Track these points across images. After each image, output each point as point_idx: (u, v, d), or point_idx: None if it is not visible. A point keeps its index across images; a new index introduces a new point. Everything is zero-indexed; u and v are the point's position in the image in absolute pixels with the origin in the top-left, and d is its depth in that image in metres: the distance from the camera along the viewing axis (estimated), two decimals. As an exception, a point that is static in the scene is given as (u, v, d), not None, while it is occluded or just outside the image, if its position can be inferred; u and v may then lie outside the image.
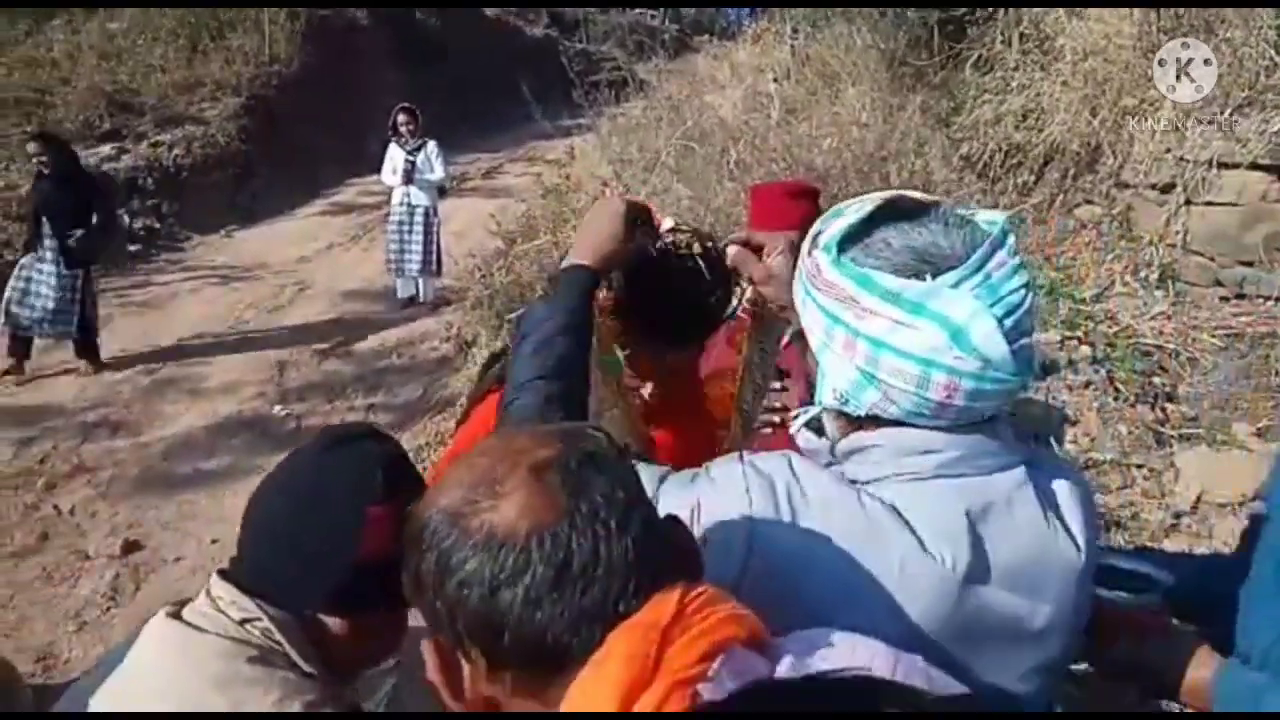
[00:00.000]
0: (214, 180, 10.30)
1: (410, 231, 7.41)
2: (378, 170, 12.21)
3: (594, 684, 0.60)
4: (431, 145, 7.47)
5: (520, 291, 6.01)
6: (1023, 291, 0.90)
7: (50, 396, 5.78)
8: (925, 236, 0.92)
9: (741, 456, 0.98)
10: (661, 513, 0.73)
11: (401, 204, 7.45)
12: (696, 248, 1.37)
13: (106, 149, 9.72)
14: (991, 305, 0.87)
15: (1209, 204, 4.88)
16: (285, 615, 1.02)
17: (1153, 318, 4.27)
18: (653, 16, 26.99)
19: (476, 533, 0.64)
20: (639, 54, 16.62)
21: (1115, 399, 3.47)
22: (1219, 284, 4.78)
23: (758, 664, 0.62)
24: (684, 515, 0.79)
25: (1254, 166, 4.66)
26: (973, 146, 6.36)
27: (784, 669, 0.62)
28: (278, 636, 1.01)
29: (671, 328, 1.34)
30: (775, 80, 9.18)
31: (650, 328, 1.34)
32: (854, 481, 0.95)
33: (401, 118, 7.51)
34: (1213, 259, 4.84)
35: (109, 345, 6.60)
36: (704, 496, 0.93)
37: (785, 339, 2.30)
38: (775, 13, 11.45)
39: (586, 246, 1.22)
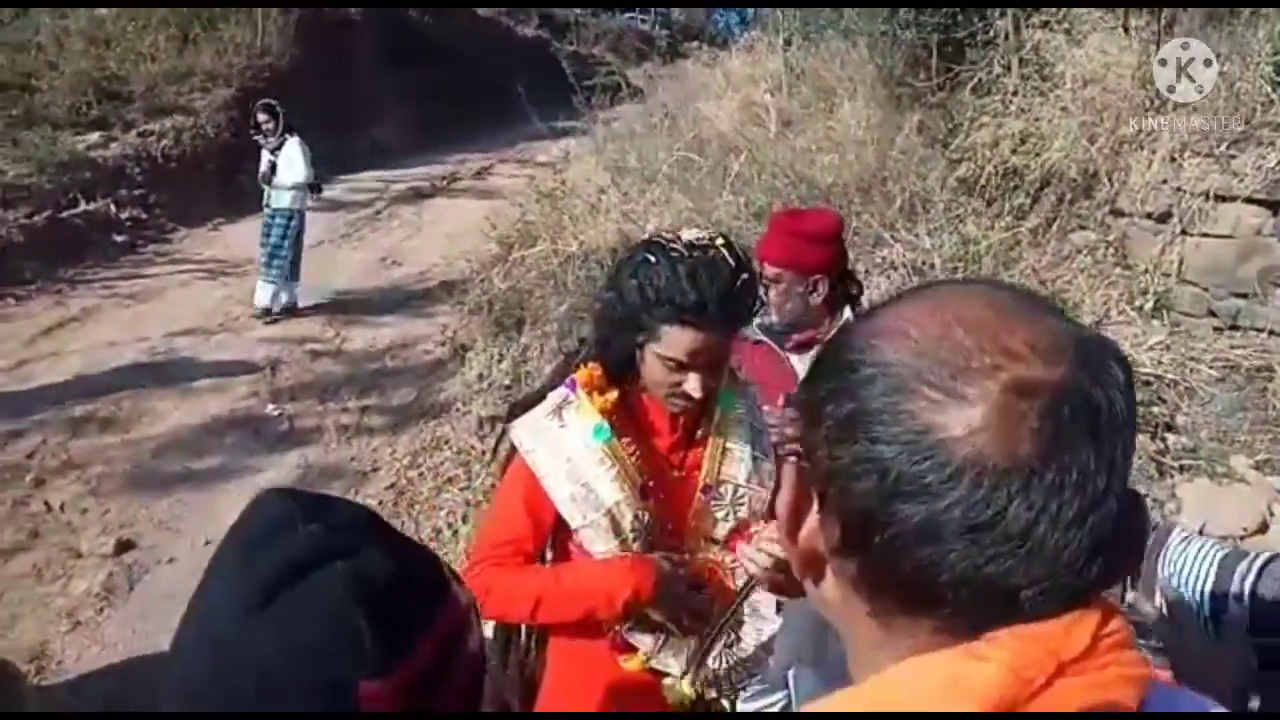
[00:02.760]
0: (203, 172, 10.19)
1: (268, 235, 7.03)
2: (369, 167, 12.28)
3: (959, 678, 0.50)
4: (292, 143, 6.98)
5: (519, 298, 6.00)
6: None
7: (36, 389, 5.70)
8: None
9: None
10: None
11: (265, 206, 7.12)
12: (720, 241, 1.49)
13: (94, 137, 9.59)
14: None
15: (1204, 235, 4.95)
16: None
17: (1151, 347, 4.34)
18: (643, 21, 27.06)
19: (909, 419, 0.51)
20: (630, 58, 16.66)
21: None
22: (1213, 315, 4.85)
23: None
24: None
25: (1249, 200, 4.75)
26: (970, 168, 6.43)
27: None
28: None
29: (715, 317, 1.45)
30: (769, 92, 9.23)
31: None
32: None
33: (261, 116, 7.12)
34: (1207, 290, 4.92)
35: (97, 336, 6.53)
36: None
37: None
38: (768, 23, 11.52)
39: None
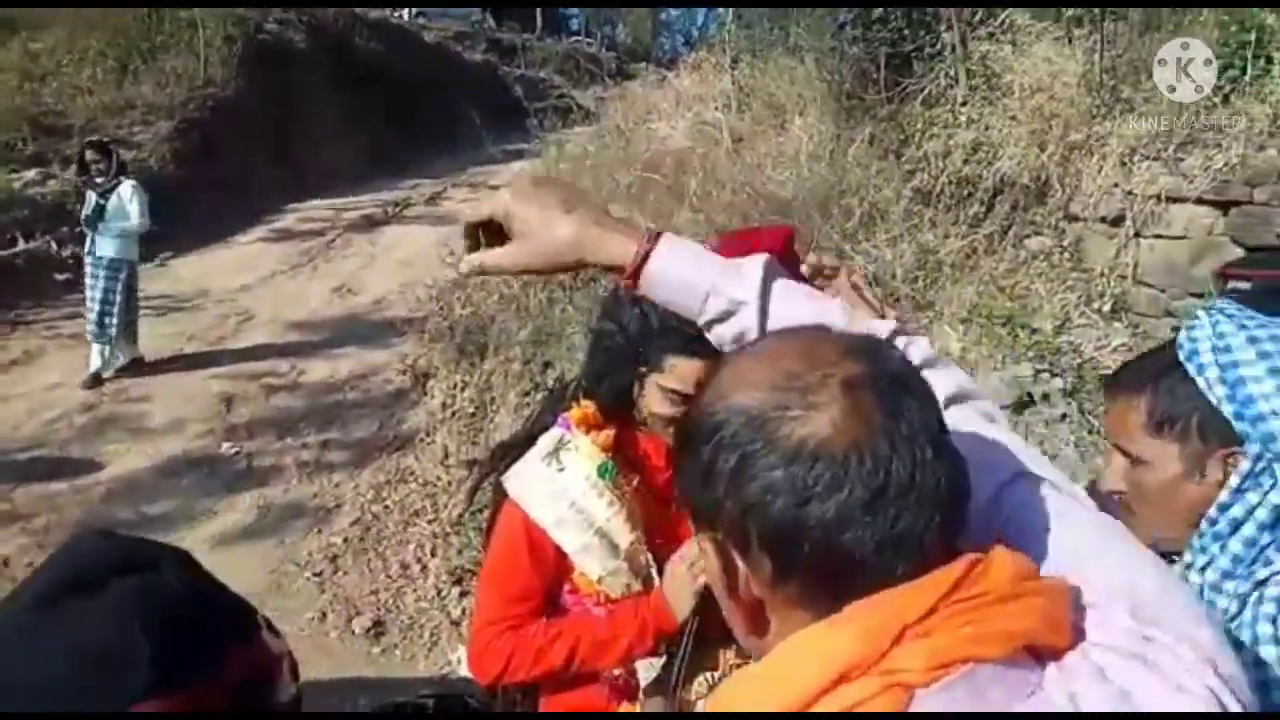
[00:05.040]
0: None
1: (94, 288, 6.29)
2: (319, 196, 12.08)
3: (811, 645, 0.59)
4: (126, 187, 6.35)
5: (480, 323, 5.90)
6: None
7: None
8: None
9: None
10: None
11: (88, 254, 6.41)
12: None
13: (31, 174, 9.29)
14: None
15: (1158, 237, 5.04)
16: None
17: (1115, 349, 4.38)
18: (589, 43, 27.20)
19: (785, 441, 0.61)
20: (580, 80, 16.69)
21: (1089, 432, 3.54)
22: (1170, 315, 4.93)
23: (1011, 685, 0.57)
24: None
25: (1200, 201, 4.84)
26: (924, 179, 6.49)
27: (1046, 698, 0.57)
28: None
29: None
30: (719, 110, 9.26)
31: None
32: None
33: (90, 154, 6.50)
34: (1163, 290, 5.00)
35: (41, 379, 6.30)
36: None
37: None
38: (714, 43, 11.59)
39: None
